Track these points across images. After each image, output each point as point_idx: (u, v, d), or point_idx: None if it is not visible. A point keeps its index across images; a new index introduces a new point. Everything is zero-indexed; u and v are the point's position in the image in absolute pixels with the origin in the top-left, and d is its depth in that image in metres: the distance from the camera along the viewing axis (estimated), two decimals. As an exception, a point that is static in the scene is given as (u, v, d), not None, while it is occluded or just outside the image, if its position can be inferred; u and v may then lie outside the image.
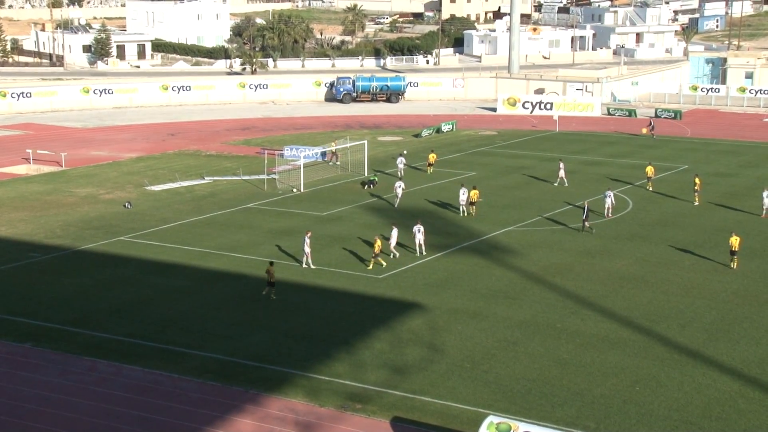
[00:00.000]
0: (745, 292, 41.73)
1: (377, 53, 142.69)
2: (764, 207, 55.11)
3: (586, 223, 51.71)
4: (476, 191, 55.74)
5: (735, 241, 45.28)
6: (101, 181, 65.33)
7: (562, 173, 63.84)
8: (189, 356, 34.24)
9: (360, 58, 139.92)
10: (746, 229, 51.50)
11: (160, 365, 33.37)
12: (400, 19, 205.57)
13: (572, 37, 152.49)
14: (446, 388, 31.70)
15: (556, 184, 63.46)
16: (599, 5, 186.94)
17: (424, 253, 46.80)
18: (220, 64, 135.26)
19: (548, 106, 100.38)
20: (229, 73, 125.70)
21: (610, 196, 55.04)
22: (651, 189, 62.23)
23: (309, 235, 44.91)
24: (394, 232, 46.43)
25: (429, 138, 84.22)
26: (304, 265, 44.32)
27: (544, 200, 58.99)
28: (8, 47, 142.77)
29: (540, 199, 59.59)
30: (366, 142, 70.41)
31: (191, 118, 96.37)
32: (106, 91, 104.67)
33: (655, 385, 32.00)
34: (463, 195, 55.38)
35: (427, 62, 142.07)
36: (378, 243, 44.43)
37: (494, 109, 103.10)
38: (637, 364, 33.68)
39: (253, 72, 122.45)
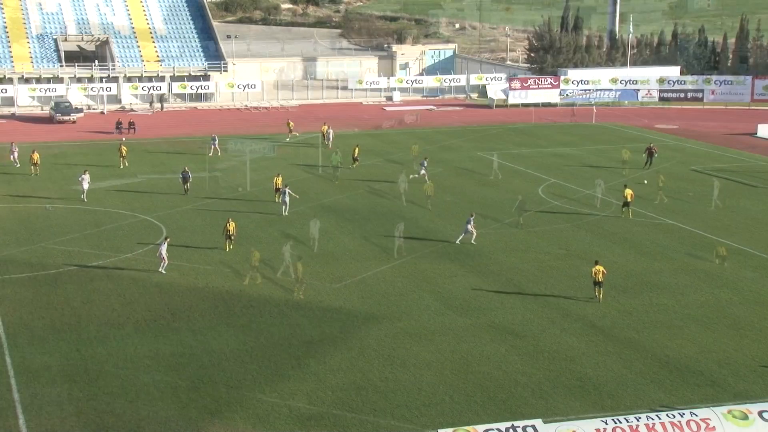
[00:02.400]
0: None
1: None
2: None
3: (520, 219, 50.05)
4: (431, 183, 55.47)
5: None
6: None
7: (495, 166, 62.71)
8: (123, 379, 30.82)
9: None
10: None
11: (90, 391, 29.92)
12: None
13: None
14: (409, 407, 28.59)
15: (491, 178, 61.74)
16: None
17: (404, 253, 44.34)
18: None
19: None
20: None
21: (600, 186, 54.56)
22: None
23: (291, 244, 42.33)
24: (313, 223, 45.54)
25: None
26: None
27: (516, 200, 55.79)
28: None
29: (512, 198, 56.34)
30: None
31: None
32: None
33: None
34: (402, 183, 54.91)
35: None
36: (255, 255, 40.66)
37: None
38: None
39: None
